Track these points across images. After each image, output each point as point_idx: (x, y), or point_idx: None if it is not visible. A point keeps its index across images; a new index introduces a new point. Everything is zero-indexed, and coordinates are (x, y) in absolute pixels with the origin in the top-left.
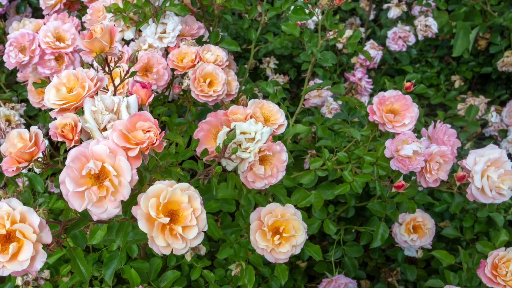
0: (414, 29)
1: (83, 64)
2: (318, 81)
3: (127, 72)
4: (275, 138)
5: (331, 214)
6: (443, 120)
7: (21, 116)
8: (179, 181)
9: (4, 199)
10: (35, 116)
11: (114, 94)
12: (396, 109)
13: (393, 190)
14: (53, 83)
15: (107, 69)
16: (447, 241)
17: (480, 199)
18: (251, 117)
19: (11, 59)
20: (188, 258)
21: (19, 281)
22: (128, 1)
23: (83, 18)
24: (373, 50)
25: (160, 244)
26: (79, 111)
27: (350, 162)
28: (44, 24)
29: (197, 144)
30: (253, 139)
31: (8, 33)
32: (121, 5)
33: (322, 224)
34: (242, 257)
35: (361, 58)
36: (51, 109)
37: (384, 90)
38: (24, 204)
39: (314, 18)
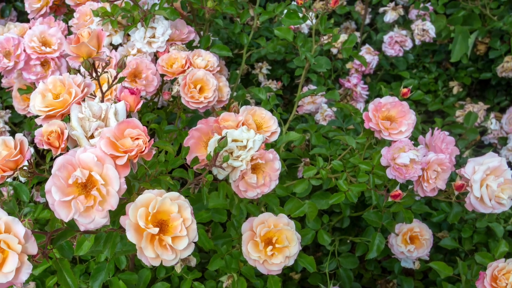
0: (411, 34)
1: (69, 70)
2: (312, 87)
3: (115, 78)
4: (268, 146)
5: (326, 224)
6: (441, 127)
7: (5, 123)
8: (168, 190)
9: None
10: (20, 123)
11: (102, 101)
12: (392, 116)
13: (390, 199)
14: (39, 89)
15: (94, 74)
16: (445, 252)
17: (479, 208)
18: (243, 124)
19: None
20: (178, 269)
21: None
22: (116, 4)
23: (70, 22)
24: (369, 55)
25: (149, 255)
26: (66, 118)
27: (345, 171)
28: (30, 28)
29: (187, 152)
30: (245, 147)
31: None
32: (109, 9)
33: (316, 234)
34: (233, 268)
35: (356, 64)
36: (36, 116)
37: (380, 96)
38: (9, 214)
39: (308, 22)
